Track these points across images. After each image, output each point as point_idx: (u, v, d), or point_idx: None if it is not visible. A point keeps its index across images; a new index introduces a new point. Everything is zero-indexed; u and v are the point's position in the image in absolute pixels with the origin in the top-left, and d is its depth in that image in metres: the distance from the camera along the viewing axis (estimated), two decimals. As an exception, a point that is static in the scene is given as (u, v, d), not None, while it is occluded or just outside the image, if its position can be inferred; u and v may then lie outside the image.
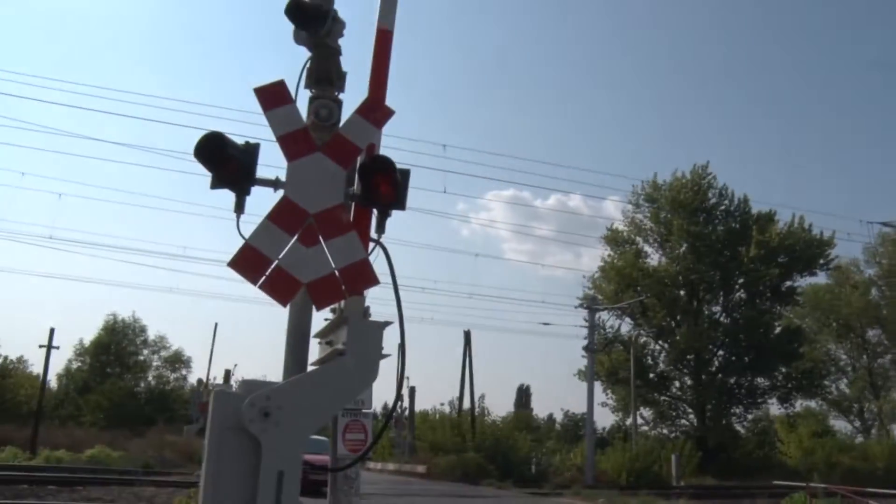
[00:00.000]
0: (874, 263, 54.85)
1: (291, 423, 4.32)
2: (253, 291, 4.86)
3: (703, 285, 44.89)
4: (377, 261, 4.86)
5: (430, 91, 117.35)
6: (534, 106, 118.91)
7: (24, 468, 23.05)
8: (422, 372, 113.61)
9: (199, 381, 48.56)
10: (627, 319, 46.36)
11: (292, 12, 4.83)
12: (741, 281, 44.85)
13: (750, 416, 48.90)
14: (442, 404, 42.94)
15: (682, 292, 45.64)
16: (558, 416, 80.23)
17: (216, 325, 45.59)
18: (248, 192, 4.92)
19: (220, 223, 61.08)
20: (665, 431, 47.68)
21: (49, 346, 32.32)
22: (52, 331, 32.37)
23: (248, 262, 4.66)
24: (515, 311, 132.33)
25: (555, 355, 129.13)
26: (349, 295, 4.81)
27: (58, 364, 55.54)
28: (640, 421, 47.24)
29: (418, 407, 47.08)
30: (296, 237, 4.72)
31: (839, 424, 54.52)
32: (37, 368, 37.48)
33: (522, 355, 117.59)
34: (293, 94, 4.96)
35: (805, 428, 45.03)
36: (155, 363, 58.91)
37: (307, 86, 5.25)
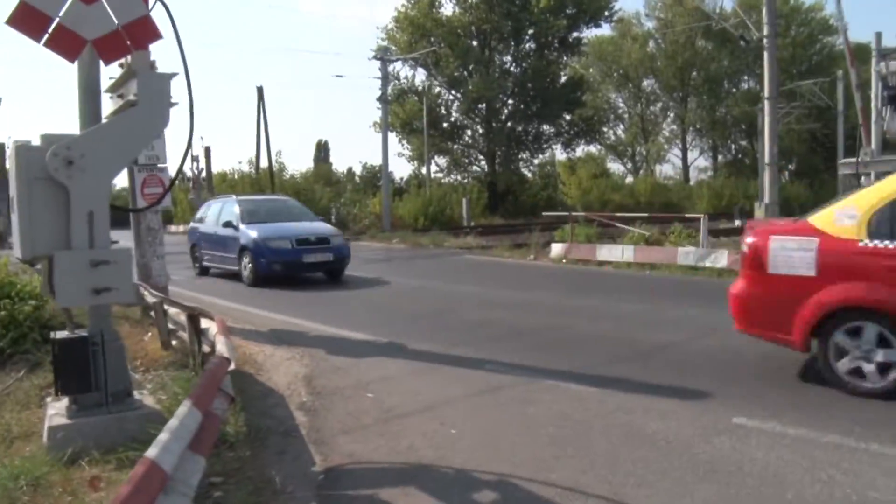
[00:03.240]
0: (653, 17, 58.52)
1: (95, 169, 4.85)
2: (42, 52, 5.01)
3: (495, 35, 46.08)
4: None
5: None
6: None
7: None
8: (218, 132, 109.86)
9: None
10: (421, 70, 47.28)
11: None
12: (531, 31, 46.43)
13: (536, 162, 53.27)
14: (240, 162, 42.77)
15: (474, 42, 46.71)
16: (357, 170, 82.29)
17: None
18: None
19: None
20: (458, 178, 51.06)
21: None
22: None
23: (26, 18, 4.83)
24: (310, 64, 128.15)
25: (352, 109, 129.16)
26: (135, 50, 5.17)
27: None
28: (434, 169, 50.23)
29: (218, 168, 46.70)
30: (74, -5, 4.90)
31: (614, 167, 60.89)
32: None
33: (320, 110, 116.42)
34: None
35: (584, 171, 49.85)
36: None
37: None
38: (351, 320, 9.76)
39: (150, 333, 8.70)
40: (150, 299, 8.61)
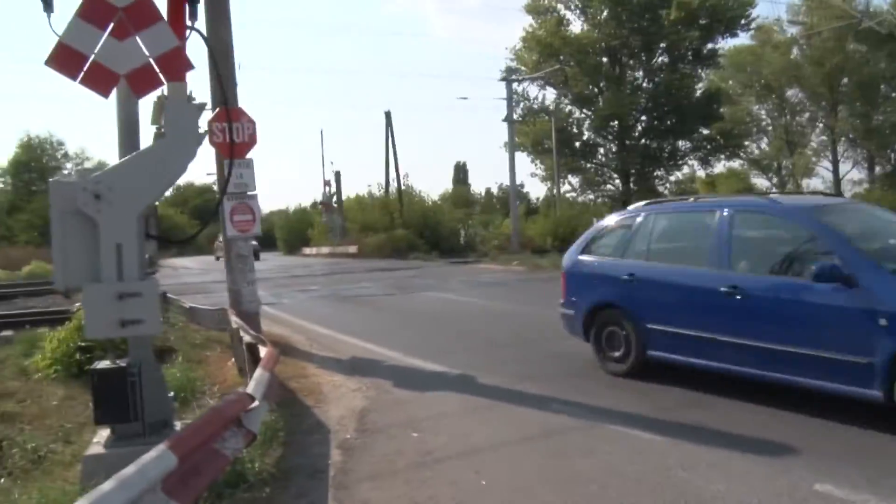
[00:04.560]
0: (798, 23, 54.96)
1: (122, 202, 4.84)
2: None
3: (625, 50, 44.88)
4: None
5: None
6: None
7: (-39, 288, 23.44)
8: (348, 157, 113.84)
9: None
10: (551, 89, 46.72)
11: None
12: (663, 45, 44.86)
13: (672, 179, 51.23)
14: (369, 186, 43.89)
15: (604, 59, 45.69)
16: (494, 190, 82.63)
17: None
18: (52, -11, 5.01)
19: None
20: (592, 197, 49.93)
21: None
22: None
23: (63, 59, 4.93)
24: (441, 86, 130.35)
25: (487, 130, 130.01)
26: (168, 81, 5.17)
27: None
28: (567, 188, 49.40)
29: (351, 192, 48.20)
30: (108, 31, 4.95)
31: (759, 182, 57.53)
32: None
33: (455, 132, 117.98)
34: None
35: (725, 187, 47.44)
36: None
37: None
38: (431, 349, 9.47)
39: (232, 359, 8.80)
40: (233, 325, 8.74)
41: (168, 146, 4.97)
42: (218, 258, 33.81)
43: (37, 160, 55.32)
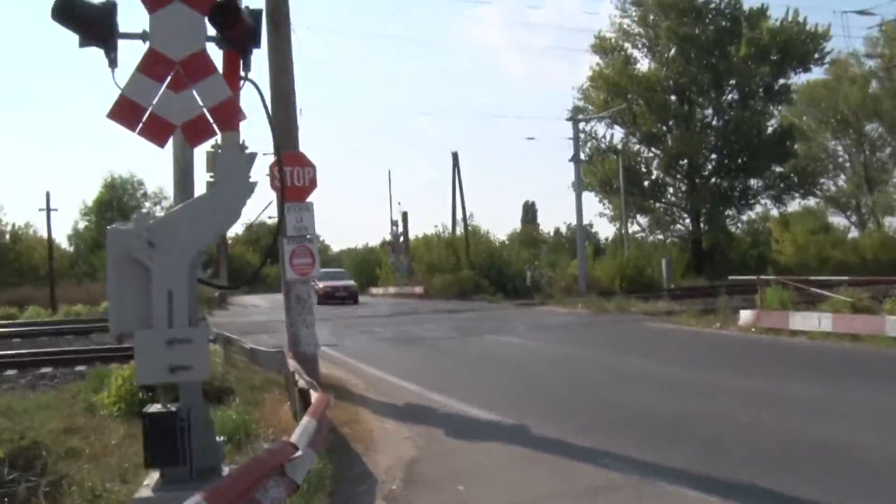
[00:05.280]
0: (875, 55, 53.30)
1: (173, 250, 4.94)
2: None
3: (694, 88, 44.33)
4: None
5: None
6: None
7: (45, 323, 24.44)
8: (416, 196, 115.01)
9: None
10: (619, 128, 46.37)
11: None
12: (732, 81, 44.16)
13: (744, 218, 49.95)
14: (436, 226, 44.08)
15: (672, 97, 45.22)
16: (563, 230, 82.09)
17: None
18: (114, 48, 5.20)
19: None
20: (661, 237, 49.04)
21: (48, 209, 33.29)
22: (48, 194, 33.36)
23: (124, 111, 5.09)
24: (510, 125, 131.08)
25: (556, 169, 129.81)
26: (222, 131, 5.29)
27: (66, 226, 57.20)
28: (636, 228, 48.68)
29: (418, 231, 48.61)
30: (165, 84, 5.12)
31: (837, 221, 55.49)
32: (45, 232, 38.53)
33: (523, 171, 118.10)
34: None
35: (801, 226, 45.94)
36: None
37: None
38: (487, 395, 9.32)
39: (289, 403, 8.84)
40: (290, 368, 8.80)
41: (219, 195, 5.07)
42: None
43: (118, 199, 57.72)
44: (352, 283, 36.46)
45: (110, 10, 5.18)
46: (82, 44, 5.21)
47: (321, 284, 32.54)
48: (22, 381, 11.49)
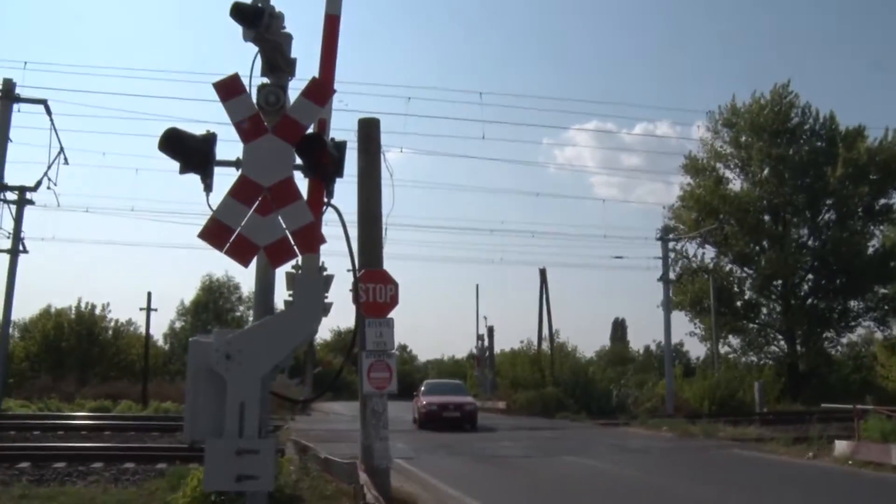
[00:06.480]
0: None
1: (248, 363, 5.24)
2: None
3: (789, 208, 43.54)
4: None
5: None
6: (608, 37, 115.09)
7: (134, 417, 25.37)
8: (503, 312, 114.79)
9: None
10: (710, 248, 45.63)
11: (233, 14, 5.56)
12: (829, 202, 43.21)
13: (844, 341, 47.60)
14: (521, 342, 43.73)
15: (765, 217, 44.48)
16: (654, 348, 79.99)
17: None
18: (211, 175, 5.74)
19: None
20: (754, 359, 47.13)
21: (148, 308, 34.98)
22: (149, 294, 34.97)
23: (213, 232, 5.55)
24: (598, 245, 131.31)
25: (646, 288, 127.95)
26: (303, 254, 5.67)
27: (164, 325, 59.86)
28: (728, 349, 46.97)
29: (504, 345, 48.38)
30: (253, 208, 5.57)
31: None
32: (144, 329, 40.44)
33: (613, 289, 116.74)
34: (247, 85, 5.73)
35: (911, 350, 43.41)
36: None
37: (262, 74, 6.01)
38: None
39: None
40: (360, 482, 8.87)
41: (295, 314, 5.38)
42: None
43: (214, 301, 60.02)
44: (469, 399, 27.11)
45: (210, 140, 5.73)
46: (182, 171, 5.75)
47: (424, 401, 25.52)
48: (106, 474, 11.93)
